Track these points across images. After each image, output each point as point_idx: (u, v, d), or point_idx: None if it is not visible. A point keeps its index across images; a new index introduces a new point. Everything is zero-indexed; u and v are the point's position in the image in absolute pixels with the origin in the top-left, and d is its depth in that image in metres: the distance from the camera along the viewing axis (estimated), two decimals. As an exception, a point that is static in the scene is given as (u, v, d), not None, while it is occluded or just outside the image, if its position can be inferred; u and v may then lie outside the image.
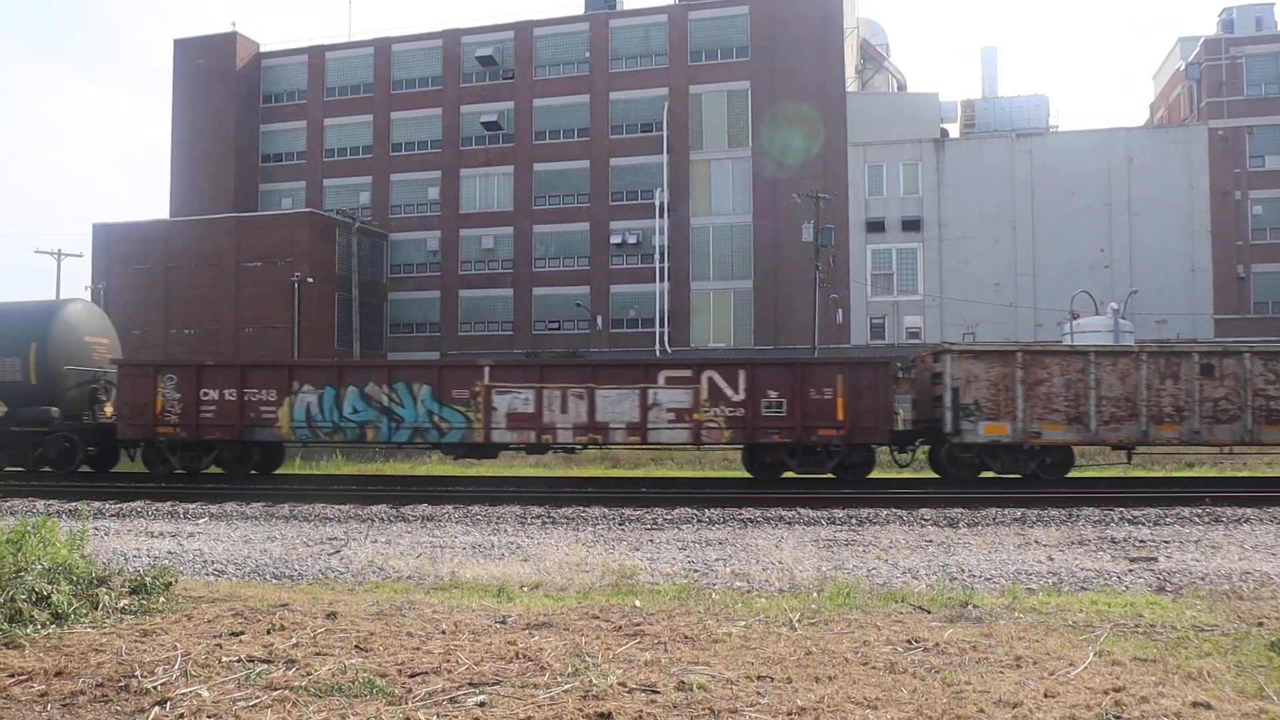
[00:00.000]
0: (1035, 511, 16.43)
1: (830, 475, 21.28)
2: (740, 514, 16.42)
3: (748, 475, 22.39)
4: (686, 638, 7.42)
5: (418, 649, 7.01)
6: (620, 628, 7.81)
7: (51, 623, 7.52)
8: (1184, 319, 49.16)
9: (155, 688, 5.96)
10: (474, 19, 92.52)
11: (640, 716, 5.50)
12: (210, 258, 53.76)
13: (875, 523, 15.66)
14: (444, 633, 7.59)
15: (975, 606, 8.73)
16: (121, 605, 8.21)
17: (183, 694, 5.84)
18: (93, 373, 24.78)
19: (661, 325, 54.38)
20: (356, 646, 7.05)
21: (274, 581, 11.33)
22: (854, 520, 15.84)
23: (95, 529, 14.76)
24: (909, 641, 7.31)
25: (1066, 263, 50.59)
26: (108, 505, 18.23)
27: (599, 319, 55.90)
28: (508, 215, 58.46)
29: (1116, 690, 6.02)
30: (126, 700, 5.77)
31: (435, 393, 21.62)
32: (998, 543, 13.61)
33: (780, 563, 12.02)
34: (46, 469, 23.60)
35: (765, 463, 21.42)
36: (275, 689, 5.94)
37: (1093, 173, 50.89)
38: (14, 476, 23.12)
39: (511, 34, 59.47)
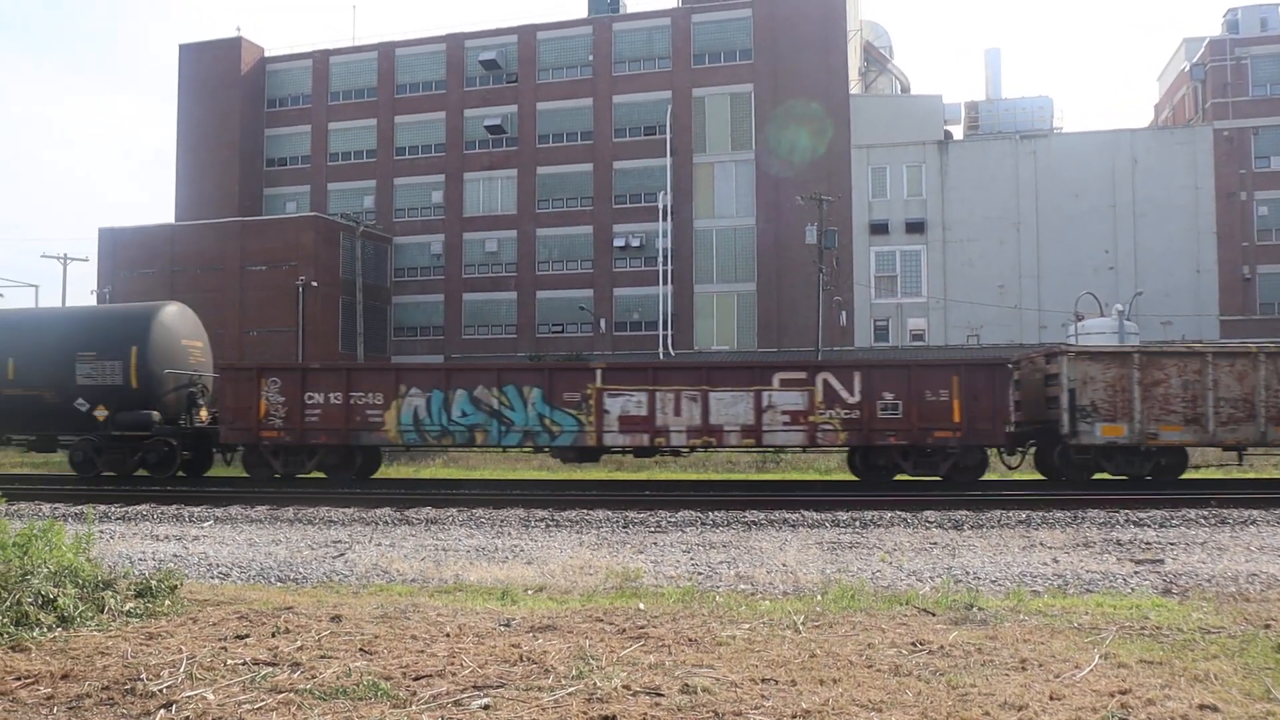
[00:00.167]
0: (1040, 513, 16.40)
1: (940, 478, 21.22)
2: (744, 516, 16.40)
3: (751, 479, 22.38)
4: (691, 640, 7.41)
5: (422, 652, 7.01)
6: (624, 630, 7.81)
7: (57, 626, 7.53)
8: (1189, 320, 49.09)
9: (161, 690, 5.96)
10: (477, 23, 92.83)
11: (645, 719, 5.49)
12: (215, 261, 53.85)
13: (879, 525, 15.64)
14: (448, 636, 7.59)
15: (980, 609, 8.72)
16: (127, 608, 8.22)
17: (188, 697, 5.84)
18: (189, 376, 24.59)
19: (665, 328, 54.39)
20: (361, 649, 7.05)
21: (279, 584, 11.33)
22: (858, 523, 15.82)
23: (101, 532, 14.78)
24: (914, 644, 7.29)
25: (1071, 264, 50.53)
26: (113, 509, 18.23)
27: (602, 322, 55.92)
28: (511, 219, 58.51)
29: (1122, 693, 6.00)
30: (132, 703, 5.77)
31: (546, 395, 21.39)
32: (1003, 545, 13.59)
33: (784, 565, 12.01)
34: (145, 473, 23.41)
35: (878, 465, 21.33)
36: (280, 692, 5.94)
37: (1097, 174, 50.84)
38: (19, 480, 23.13)
39: (515, 38, 59.53)
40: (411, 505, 18.30)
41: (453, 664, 6.63)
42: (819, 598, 9.58)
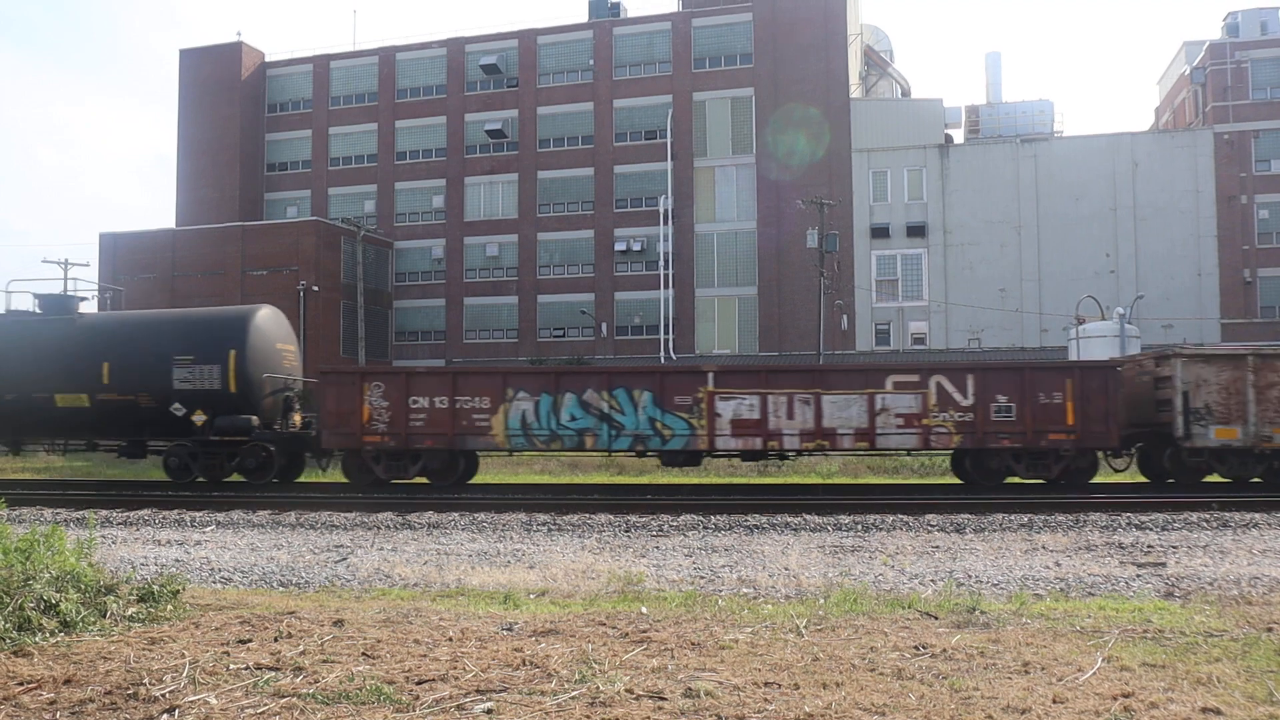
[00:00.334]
0: (1042, 517, 16.39)
1: (1042, 481, 21.19)
2: (746, 520, 16.39)
3: (751, 481, 22.37)
4: (693, 644, 7.41)
5: (425, 656, 7.00)
6: (627, 634, 7.80)
7: (60, 631, 7.53)
8: (1191, 324, 49.09)
9: (163, 695, 5.96)
10: (478, 27, 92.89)
11: (648, 723, 5.49)
12: (216, 266, 53.92)
13: (881, 529, 15.63)
14: (451, 640, 7.59)
15: (983, 612, 8.71)
16: (129, 613, 8.22)
17: (191, 701, 5.84)
18: (285, 380, 24.37)
19: (666, 332, 54.42)
20: (364, 654, 7.05)
21: (281, 589, 11.33)
22: (860, 526, 15.81)
23: (103, 537, 14.78)
24: (916, 647, 7.29)
25: (1072, 268, 50.53)
26: (115, 514, 18.24)
27: (604, 326, 55.94)
28: (512, 223, 58.54)
29: (1125, 696, 6.00)
30: (135, 708, 5.77)
31: (656, 399, 21.26)
32: (1005, 548, 13.58)
33: (786, 569, 12.01)
34: (241, 479, 23.19)
35: (990, 468, 21.29)
36: (283, 696, 5.94)
37: (1098, 178, 50.85)
38: (19, 485, 23.10)
39: (515, 42, 59.59)
40: (413, 510, 18.29)
41: (455, 668, 6.63)
42: (821, 601, 9.58)
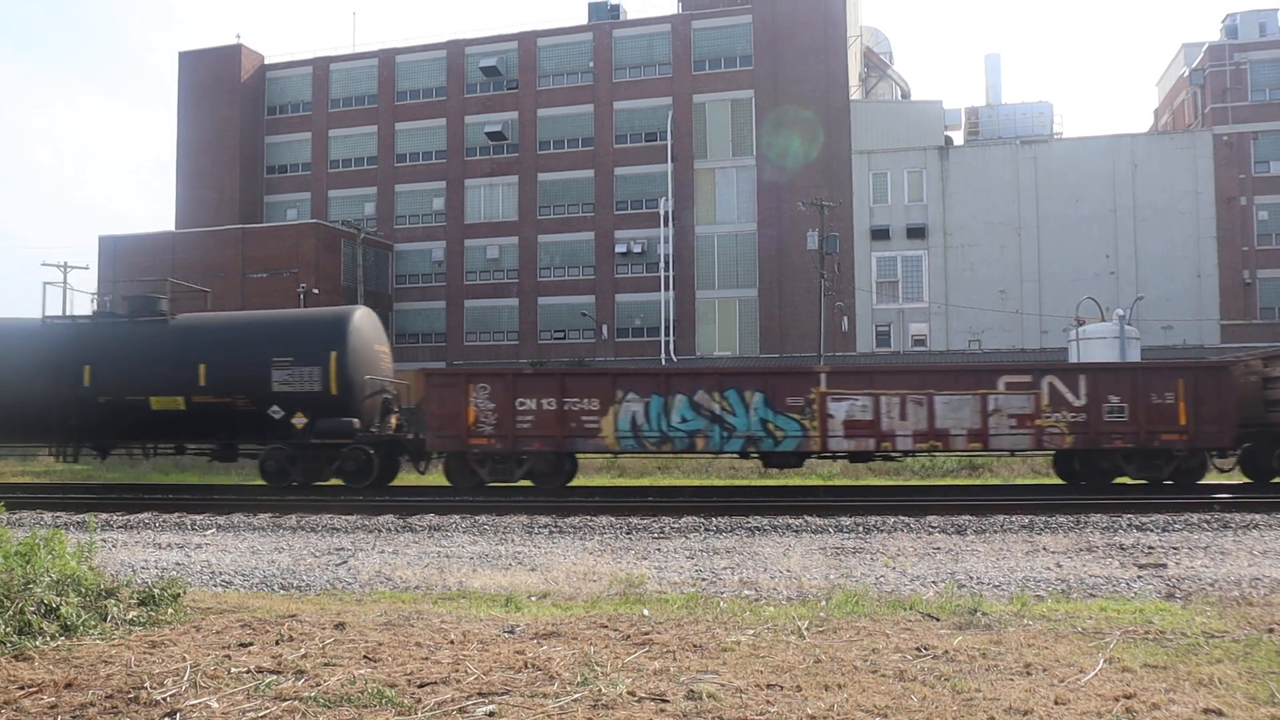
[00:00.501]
0: (1043, 518, 16.37)
1: (1153, 481, 21.18)
2: (747, 522, 16.38)
3: (753, 484, 22.34)
4: (695, 646, 7.41)
5: (426, 659, 7.00)
6: (629, 637, 7.80)
7: (61, 634, 7.53)
8: (1190, 325, 49.10)
9: (165, 699, 5.96)
10: (478, 30, 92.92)
11: (650, 726, 5.49)
12: (216, 269, 53.90)
13: (883, 530, 15.61)
14: (452, 642, 7.59)
15: (984, 614, 8.71)
16: (130, 617, 8.21)
17: (192, 705, 5.83)
18: (382, 382, 24.12)
19: (667, 334, 54.43)
20: (365, 657, 7.04)
21: (282, 592, 11.33)
22: (861, 528, 15.80)
23: (103, 541, 14.77)
24: (918, 649, 7.29)
25: (1072, 269, 50.54)
26: (115, 517, 18.24)
27: (604, 328, 55.95)
28: (513, 225, 58.56)
29: (1127, 697, 6.00)
30: (136, 712, 5.76)
31: (768, 400, 21.15)
32: (1006, 550, 13.58)
33: (788, 571, 12.01)
34: (340, 482, 22.77)
35: (1103, 468, 21.26)
36: (284, 700, 5.94)
37: (1098, 179, 50.87)
38: (20, 489, 23.08)
39: (515, 44, 59.62)
40: (414, 512, 18.27)
41: (457, 671, 6.62)
42: (823, 603, 9.57)
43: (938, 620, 8.51)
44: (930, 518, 16.61)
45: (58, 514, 18.70)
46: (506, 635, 7.92)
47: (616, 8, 60.22)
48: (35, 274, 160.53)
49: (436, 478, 24.34)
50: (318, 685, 6.24)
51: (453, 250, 59.34)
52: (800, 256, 52.21)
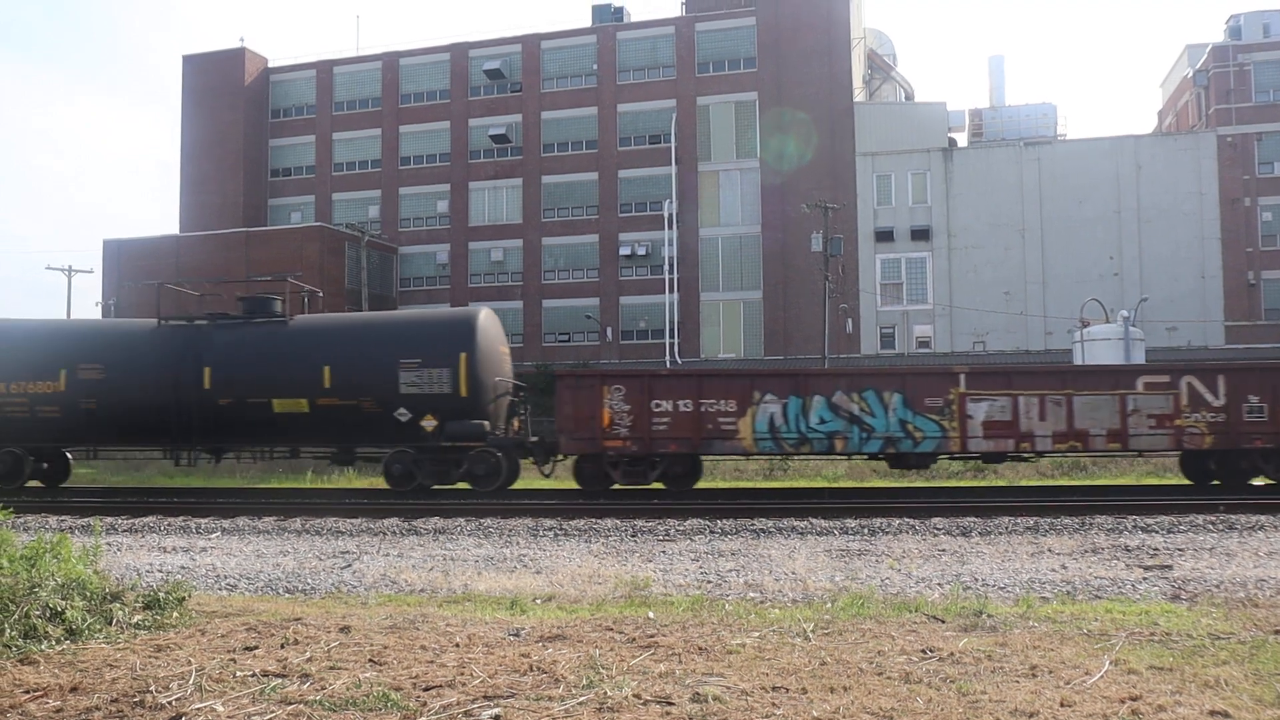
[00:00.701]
0: (1048, 520, 16.36)
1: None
2: (752, 524, 16.38)
3: (757, 485, 22.33)
4: (700, 649, 7.41)
5: (431, 662, 7.00)
6: (634, 639, 7.80)
7: (66, 638, 7.54)
8: (1195, 326, 49.03)
9: (170, 703, 5.97)
10: (481, 33, 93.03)
11: (655, 728, 5.49)
12: (220, 272, 53.91)
13: (888, 532, 15.61)
14: (458, 646, 7.59)
15: (989, 616, 8.70)
16: (135, 620, 8.22)
17: (197, 709, 5.84)
18: (509, 383, 23.91)
19: (671, 336, 54.41)
20: (370, 660, 7.05)
21: (287, 596, 11.34)
22: (867, 530, 15.79)
23: (108, 544, 14.78)
24: (923, 651, 7.28)
25: (1076, 271, 50.48)
26: (120, 520, 18.27)
27: (609, 330, 55.96)
28: (517, 228, 58.59)
29: (1133, 699, 5.99)
30: (141, 716, 5.77)
31: (906, 401, 21.06)
32: (1011, 551, 13.56)
33: (793, 573, 12.00)
34: (467, 486, 22.38)
35: (1240, 468, 21.17)
36: (290, 703, 5.94)
37: (1101, 180, 50.81)
38: (26, 492, 23.07)
39: (519, 47, 59.68)
40: (419, 515, 18.29)
41: (462, 674, 6.63)
42: (828, 605, 9.57)
43: (943, 622, 8.50)
44: (935, 519, 16.60)
45: (63, 517, 18.72)
46: (511, 638, 7.92)
47: (620, 10, 60.27)
48: (36, 275, 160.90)
49: (560, 481, 24.10)
50: (323, 689, 6.24)
51: (457, 253, 59.39)
52: (804, 259, 52.17)
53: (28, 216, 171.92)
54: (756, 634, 7.98)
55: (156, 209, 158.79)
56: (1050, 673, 6.65)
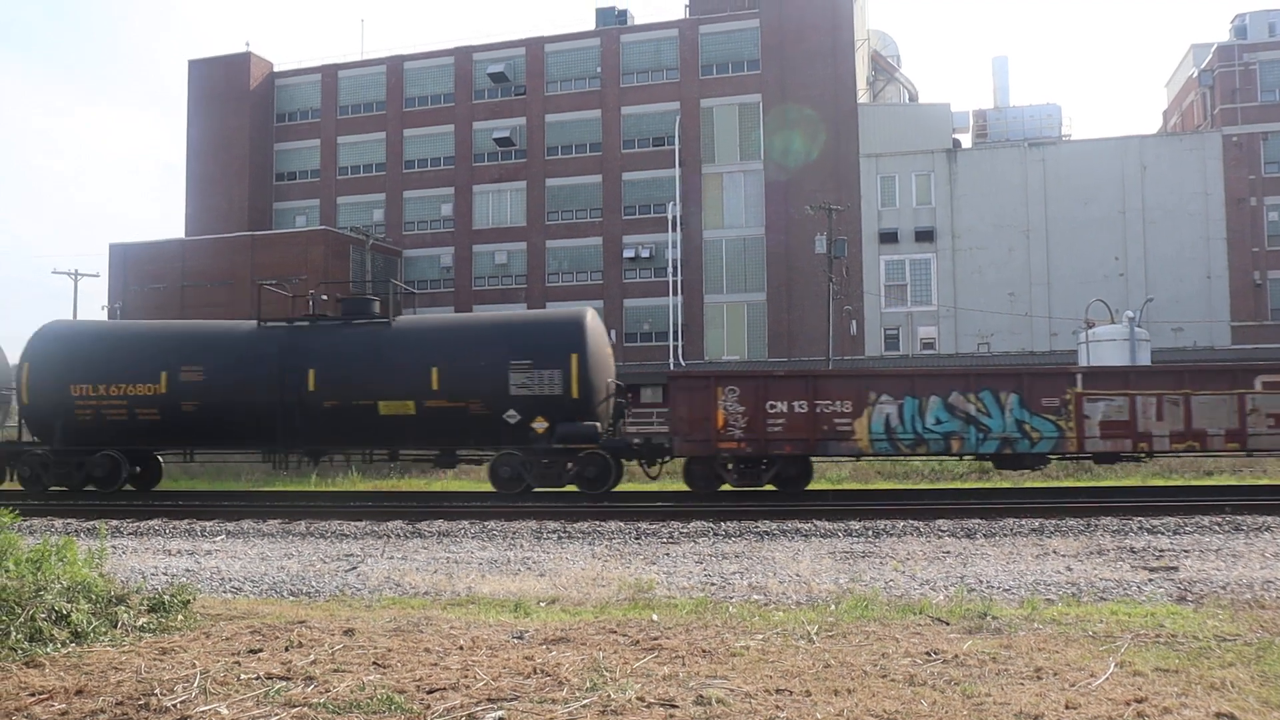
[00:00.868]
0: (1053, 521, 16.34)
1: None
2: (756, 527, 16.37)
3: (760, 489, 22.24)
4: (704, 651, 7.40)
5: (435, 665, 7.00)
6: (638, 642, 7.79)
7: (71, 641, 7.55)
8: (1201, 327, 48.94)
9: (175, 706, 5.97)
10: (485, 36, 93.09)
11: (659, 731, 5.48)
12: (225, 276, 54.07)
13: (892, 534, 15.59)
14: (461, 648, 7.59)
15: (994, 618, 8.69)
16: (140, 623, 8.23)
17: (202, 712, 5.85)
18: (617, 385, 23.80)
19: (675, 339, 54.40)
20: (374, 663, 7.05)
21: (291, 598, 11.34)
22: (870, 532, 15.78)
23: (114, 547, 14.82)
24: (928, 653, 7.27)
25: (1081, 271, 50.41)
26: (125, 524, 18.29)
27: (613, 333, 55.73)
28: (520, 230, 58.62)
29: (1139, 701, 5.98)
30: (146, 718, 5.78)
31: (1023, 401, 20.94)
32: (1016, 553, 13.54)
33: (797, 575, 11.99)
34: (574, 489, 22.04)
35: None
36: (294, 706, 5.95)
37: (1106, 181, 50.74)
38: (30, 495, 23.08)
39: (523, 50, 59.72)
40: (423, 518, 18.30)
41: (466, 677, 6.63)
42: (832, 607, 9.56)
43: (948, 624, 8.49)
44: (940, 521, 16.59)
45: (68, 521, 18.76)
46: (515, 641, 7.92)
47: (624, 13, 60.31)
48: (40, 279, 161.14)
49: (666, 483, 24.01)
50: (327, 691, 6.25)
51: (461, 256, 59.43)
52: (808, 260, 52.15)
53: (27, 217, 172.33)
54: (760, 636, 7.97)
55: (157, 210, 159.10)
56: (1055, 675, 6.63)
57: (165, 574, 12.76)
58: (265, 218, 62.38)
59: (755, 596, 10.67)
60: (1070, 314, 48.18)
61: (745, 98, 55.85)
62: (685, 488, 22.19)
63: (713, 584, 11.55)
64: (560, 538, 15.92)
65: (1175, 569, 12.07)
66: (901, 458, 22.35)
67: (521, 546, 15.09)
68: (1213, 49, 52.90)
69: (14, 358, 26.93)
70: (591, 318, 23.40)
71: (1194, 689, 6.29)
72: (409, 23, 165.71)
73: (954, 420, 21.02)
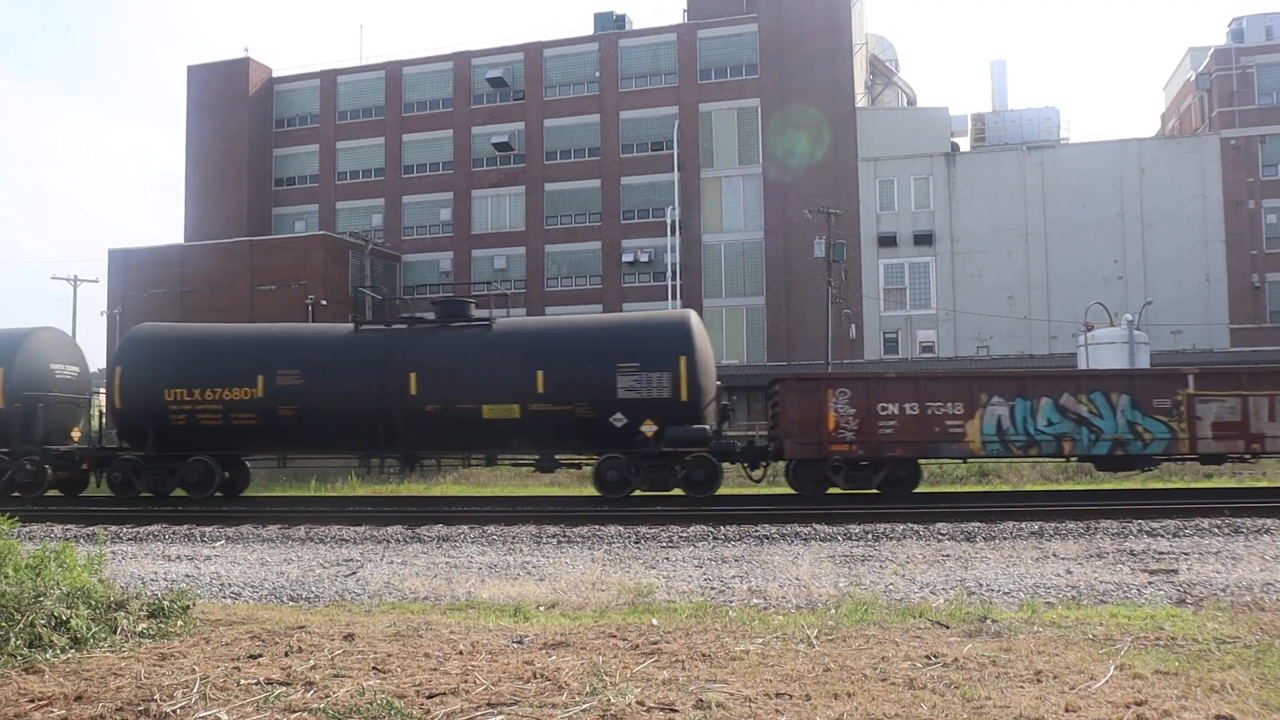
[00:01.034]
0: (1053, 524, 16.34)
1: None
2: (756, 530, 16.36)
3: (759, 491, 22.29)
4: (704, 656, 7.39)
5: (435, 670, 7.00)
6: (638, 646, 7.79)
7: (71, 647, 7.53)
8: (1199, 329, 48.96)
9: (174, 711, 5.96)
10: (484, 41, 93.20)
11: (659, 735, 5.48)
12: (225, 281, 54.10)
13: (892, 538, 15.58)
14: (461, 653, 7.58)
15: (994, 621, 8.68)
16: (140, 629, 8.22)
17: (202, 717, 5.84)
18: (721, 388, 23.46)
19: (674, 342, 54.28)
20: (374, 668, 7.04)
21: (291, 603, 11.33)
22: (870, 536, 15.76)
23: (113, 553, 14.79)
24: (928, 657, 7.27)
25: (1080, 274, 50.45)
26: (125, 529, 18.27)
27: (612, 336, 55.87)
28: (520, 235, 58.66)
29: (1138, 704, 5.97)
30: (146, 724, 5.77)
31: (1134, 402, 20.91)
32: (1015, 556, 13.54)
33: (797, 579, 11.98)
34: (684, 493, 21.80)
35: None
36: (294, 711, 5.94)
37: (1105, 184, 50.80)
38: (31, 500, 23.05)
39: (521, 55, 59.79)
40: (423, 523, 18.29)
41: (466, 682, 6.62)
42: (832, 611, 9.55)
43: (947, 628, 8.49)
44: (939, 525, 16.58)
45: (68, 526, 18.74)
46: (515, 645, 7.91)
47: (622, 18, 60.39)
48: (38, 284, 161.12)
49: (770, 486, 23.95)
50: (327, 697, 6.24)
51: (460, 261, 59.45)
52: (807, 264, 52.16)
53: (27, 224, 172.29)
54: (760, 640, 7.96)
55: (156, 215, 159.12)
56: (1055, 678, 6.63)
57: (165, 579, 12.75)
58: (264, 223, 62.42)
59: (755, 600, 10.66)
60: (1069, 317, 48.20)
61: (744, 102, 55.91)
62: (787, 490, 22.06)
63: (712, 588, 11.54)
64: (560, 542, 15.91)
65: (1175, 571, 12.07)
66: (1013, 459, 22.17)
67: (521, 551, 15.08)
68: (1210, 52, 53.02)
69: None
70: (696, 320, 23.15)
71: (1194, 691, 6.29)
72: (408, 28, 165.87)
73: (1065, 421, 21.01)
